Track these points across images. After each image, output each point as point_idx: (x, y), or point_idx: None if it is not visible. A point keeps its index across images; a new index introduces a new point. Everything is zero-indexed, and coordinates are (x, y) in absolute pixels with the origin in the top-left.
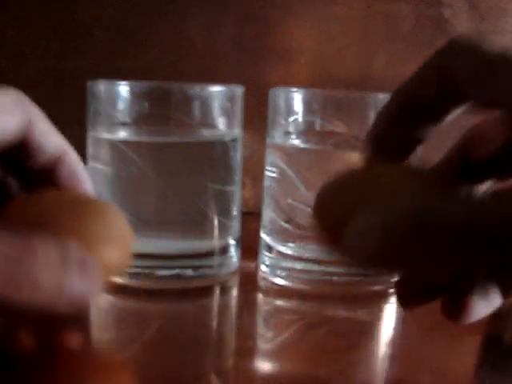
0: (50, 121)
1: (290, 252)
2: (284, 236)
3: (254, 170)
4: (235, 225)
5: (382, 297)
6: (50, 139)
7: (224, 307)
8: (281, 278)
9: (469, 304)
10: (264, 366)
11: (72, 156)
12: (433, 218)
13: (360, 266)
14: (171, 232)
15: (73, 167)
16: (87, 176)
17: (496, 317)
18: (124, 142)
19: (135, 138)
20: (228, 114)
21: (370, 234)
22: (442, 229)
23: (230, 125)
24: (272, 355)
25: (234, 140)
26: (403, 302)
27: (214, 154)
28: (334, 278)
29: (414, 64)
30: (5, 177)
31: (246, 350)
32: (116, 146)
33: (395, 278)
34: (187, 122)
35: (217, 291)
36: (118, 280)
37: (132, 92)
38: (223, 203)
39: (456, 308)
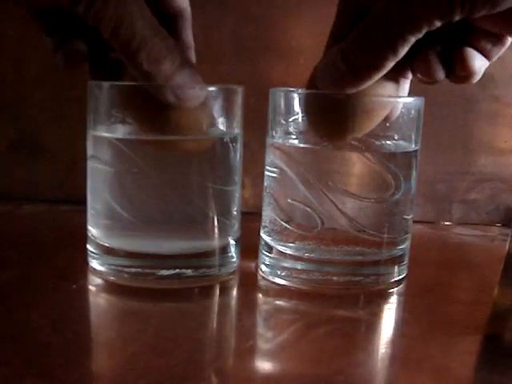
0: (50, 120)
1: (289, 252)
2: (284, 236)
3: (253, 170)
4: (235, 225)
5: (382, 297)
6: None
7: (224, 307)
8: (281, 278)
9: (463, 56)
10: (264, 366)
11: (189, 13)
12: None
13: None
14: (171, 232)
15: (188, 23)
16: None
17: (496, 317)
18: (124, 142)
19: (135, 138)
20: (228, 113)
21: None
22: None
23: (229, 125)
24: (272, 355)
25: (233, 140)
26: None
27: (214, 154)
28: (334, 278)
29: None
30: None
31: (246, 350)
32: (116, 146)
33: (395, 278)
34: None
35: (217, 291)
36: (118, 280)
37: (132, 92)
38: (223, 203)
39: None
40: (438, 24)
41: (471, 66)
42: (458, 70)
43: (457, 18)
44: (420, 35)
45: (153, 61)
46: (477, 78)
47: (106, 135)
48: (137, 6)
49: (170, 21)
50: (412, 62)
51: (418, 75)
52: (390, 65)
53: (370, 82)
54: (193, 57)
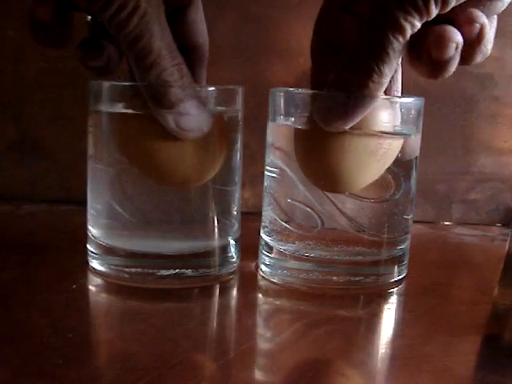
0: (50, 120)
1: (289, 252)
2: (284, 236)
3: (253, 170)
4: (235, 225)
5: (382, 297)
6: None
7: (224, 307)
8: (281, 278)
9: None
10: (264, 365)
11: (206, 51)
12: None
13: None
14: (171, 232)
15: (202, 61)
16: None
17: (496, 317)
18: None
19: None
20: (228, 114)
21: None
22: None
23: (229, 125)
24: (272, 355)
25: (233, 140)
26: None
27: None
28: (334, 278)
29: None
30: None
31: (246, 350)
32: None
33: (395, 278)
34: None
35: (217, 291)
36: (118, 280)
37: (132, 92)
38: (223, 203)
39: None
40: (418, 24)
41: (480, 16)
42: (469, 28)
43: (433, 13)
44: (404, 39)
45: (162, 82)
46: (487, 33)
47: (106, 136)
48: (159, 27)
49: (185, 53)
50: (421, 46)
51: (433, 53)
52: (387, 79)
53: (375, 102)
54: None
